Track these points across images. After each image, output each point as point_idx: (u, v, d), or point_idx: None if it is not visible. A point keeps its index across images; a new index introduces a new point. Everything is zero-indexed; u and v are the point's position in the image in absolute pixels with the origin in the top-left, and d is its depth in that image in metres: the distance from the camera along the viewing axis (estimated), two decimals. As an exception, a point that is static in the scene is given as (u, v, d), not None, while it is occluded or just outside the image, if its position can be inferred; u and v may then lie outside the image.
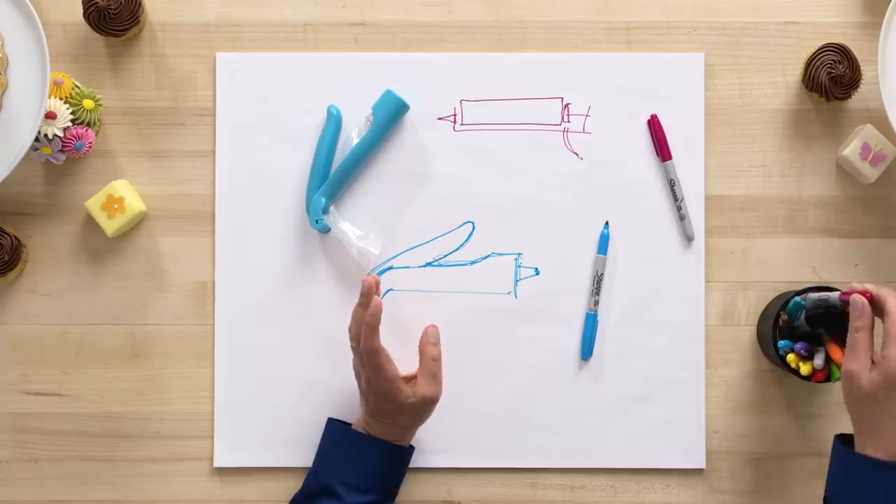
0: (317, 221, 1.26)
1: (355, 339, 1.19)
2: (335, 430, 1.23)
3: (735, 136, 1.30)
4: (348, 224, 1.28)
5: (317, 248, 1.29)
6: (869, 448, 1.07)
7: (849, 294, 1.13)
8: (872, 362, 1.08)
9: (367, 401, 1.20)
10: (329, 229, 1.27)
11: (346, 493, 1.17)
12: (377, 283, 1.20)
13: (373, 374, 1.17)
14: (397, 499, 1.23)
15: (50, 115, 1.22)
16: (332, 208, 1.27)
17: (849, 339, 1.10)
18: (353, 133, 1.28)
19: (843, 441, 1.12)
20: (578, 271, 1.29)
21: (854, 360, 1.08)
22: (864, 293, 1.11)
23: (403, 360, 1.21)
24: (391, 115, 1.27)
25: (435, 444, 1.26)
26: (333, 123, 1.28)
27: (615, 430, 1.29)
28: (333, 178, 1.27)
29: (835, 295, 1.16)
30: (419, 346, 1.22)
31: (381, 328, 1.23)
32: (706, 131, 1.30)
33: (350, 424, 1.24)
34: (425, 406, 1.19)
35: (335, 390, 1.28)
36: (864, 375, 1.07)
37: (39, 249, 1.29)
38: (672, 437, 1.29)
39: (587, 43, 1.30)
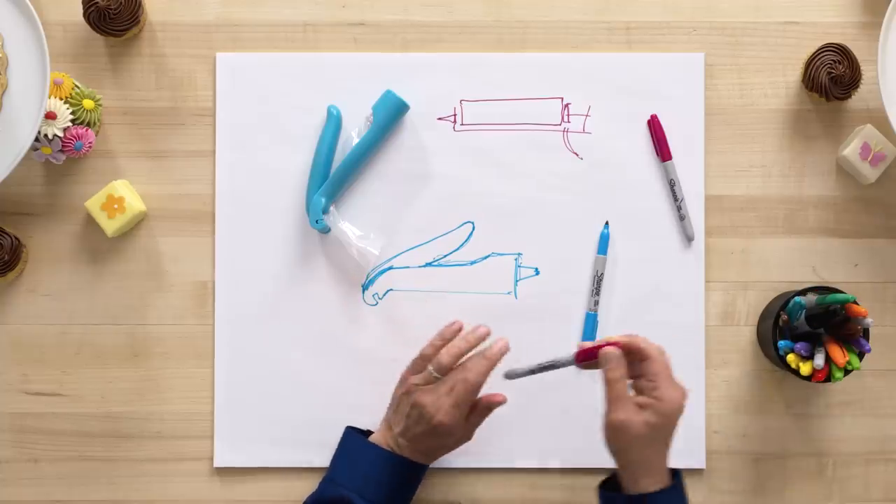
0: (317, 221, 1.26)
1: (442, 369, 1.16)
2: (356, 442, 1.21)
3: (735, 136, 1.30)
4: (348, 224, 1.28)
5: (317, 248, 1.29)
6: (644, 483, 1.08)
7: (584, 354, 1.12)
8: (637, 406, 1.08)
9: (408, 428, 1.17)
10: (329, 229, 1.27)
11: None
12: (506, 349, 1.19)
13: (454, 408, 1.15)
14: (397, 499, 1.23)
15: (50, 115, 1.22)
16: (332, 208, 1.27)
17: (608, 392, 1.09)
18: (353, 133, 1.28)
19: (609, 486, 1.13)
20: (578, 271, 1.29)
21: (621, 410, 1.08)
22: (609, 345, 1.10)
23: (403, 360, 1.21)
24: (391, 115, 1.27)
25: (435, 444, 1.26)
26: (333, 123, 1.28)
27: (615, 430, 1.28)
28: (333, 178, 1.27)
29: (564, 357, 1.14)
30: (480, 406, 1.19)
31: (382, 329, 1.23)
32: (706, 131, 1.30)
33: (364, 432, 1.23)
34: (458, 445, 1.20)
35: (335, 390, 1.28)
36: (634, 421, 1.07)
37: (39, 249, 1.29)
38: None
39: (587, 43, 1.30)
